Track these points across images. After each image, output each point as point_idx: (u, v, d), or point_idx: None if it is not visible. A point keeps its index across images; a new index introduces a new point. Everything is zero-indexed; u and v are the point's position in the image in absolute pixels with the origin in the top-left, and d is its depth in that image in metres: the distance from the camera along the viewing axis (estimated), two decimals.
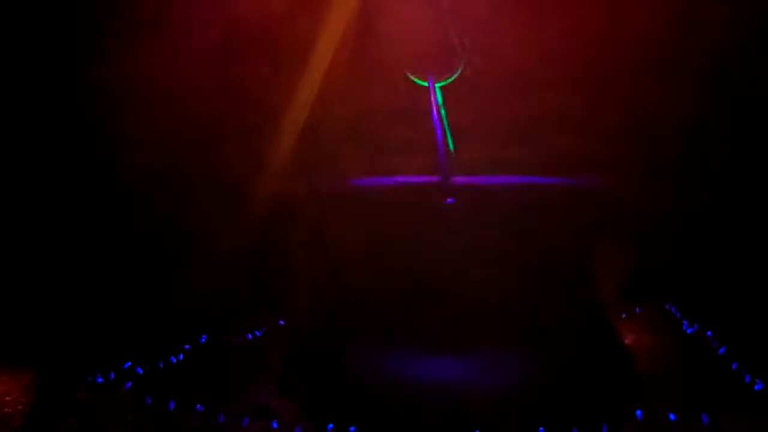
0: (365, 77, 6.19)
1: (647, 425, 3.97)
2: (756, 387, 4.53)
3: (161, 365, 4.99)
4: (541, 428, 3.83)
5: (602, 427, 3.84)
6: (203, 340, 5.40)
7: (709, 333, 5.45)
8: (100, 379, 4.67)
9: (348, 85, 6.20)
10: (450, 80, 4.95)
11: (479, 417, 3.90)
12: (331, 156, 6.08)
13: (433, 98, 4.63)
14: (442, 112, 4.91)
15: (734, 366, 4.85)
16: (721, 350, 5.12)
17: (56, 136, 5.95)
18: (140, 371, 4.84)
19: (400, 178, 4.58)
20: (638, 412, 3.99)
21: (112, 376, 4.73)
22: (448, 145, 4.94)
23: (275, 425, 4.10)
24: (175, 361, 5.10)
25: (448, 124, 5.08)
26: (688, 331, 5.66)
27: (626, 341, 5.37)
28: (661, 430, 3.95)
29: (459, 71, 5.03)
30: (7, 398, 4.64)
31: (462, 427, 3.87)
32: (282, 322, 5.83)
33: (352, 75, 6.21)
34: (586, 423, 3.87)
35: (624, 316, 6.06)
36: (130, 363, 4.87)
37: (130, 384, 4.63)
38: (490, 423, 3.86)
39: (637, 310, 6.19)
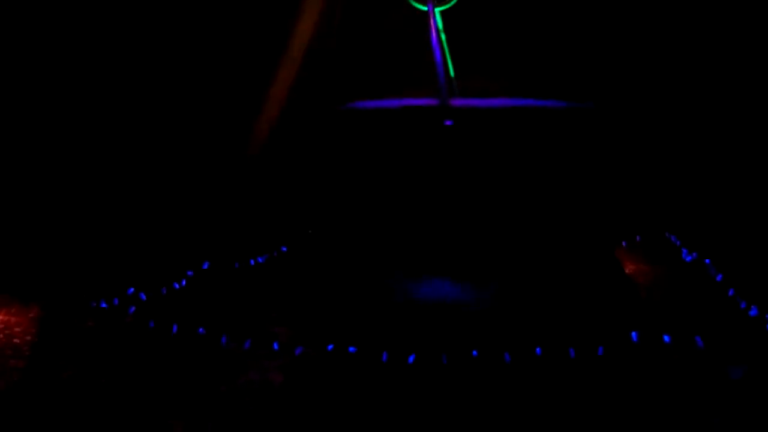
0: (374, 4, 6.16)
1: (642, 347, 4.01)
2: (751, 312, 4.57)
3: (164, 291, 5.04)
4: (537, 348, 3.88)
5: (598, 348, 3.89)
6: (206, 266, 5.43)
7: (707, 261, 5.49)
8: (104, 305, 4.72)
9: (356, 13, 6.17)
10: (450, 5, 4.90)
11: (477, 336, 3.95)
12: (338, 84, 6.07)
13: (432, 22, 4.59)
14: (442, 36, 4.88)
15: (731, 292, 4.89)
16: (719, 277, 5.16)
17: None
18: (144, 297, 4.89)
19: (399, 101, 4.57)
20: (633, 334, 4.03)
21: (117, 302, 4.78)
22: (447, 69, 4.92)
23: (276, 347, 4.15)
24: (178, 287, 5.15)
25: (449, 50, 5.05)
26: (687, 259, 5.70)
27: (626, 269, 5.42)
28: (655, 351, 4.00)
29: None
30: (17, 329, 4.71)
31: (460, 345, 3.92)
32: (284, 249, 5.87)
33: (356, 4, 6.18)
34: (583, 343, 3.92)
35: (624, 244, 6.10)
36: (133, 289, 4.92)
37: (133, 309, 4.68)
38: (488, 341, 3.90)
39: (637, 238, 6.23)
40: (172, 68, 6.07)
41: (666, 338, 4.03)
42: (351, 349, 4.00)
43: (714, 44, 6.17)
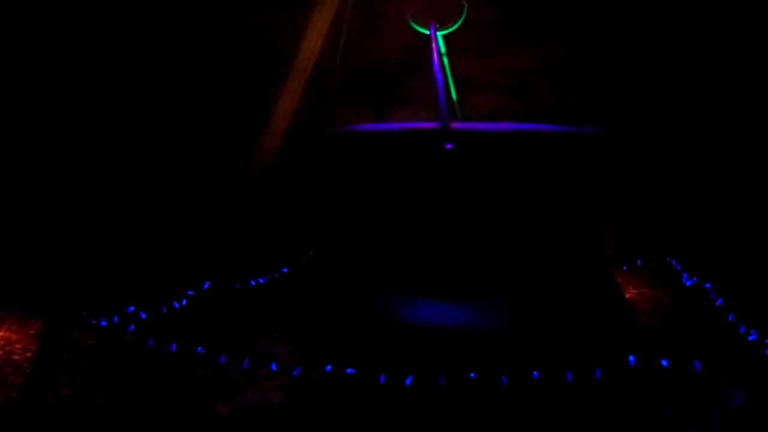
0: (376, 26, 6.20)
1: (640, 370, 4.01)
2: (750, 338, 4.57)
3: (164, 310, 5.05)
4: (535, 372, 3.88)
5: (595, 372, 3.88)
6: (206, 286, 5.44)
7: (707, 285, 5.48)
8: (104, 323, 4.73)
9: (358, 35, 6.21)
10: (452, 29, 4.94)
11: (475, 360, 3.96)
12: (340, 107, 6.11)
13: (434, 46, 4.61)
14: (445, 60, 4.92)
15: (731, 317, 4.89)
16: (719, 302, 5.16)
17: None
18: (143, 316, 4.90)
19: (399, 124, 4.59)
20: (631, 358, 4.03)
21: (116, 320, 4.79)
22: (449, 93, 4.95)
23: (274, 367, 4.15)
24: (178, 306, 5.16)
25: (451, 73, 5.09)
26: (688, 283, 5.69)
27: (627, 293, 5.42)
28: (653, 375, 4.01)
29: (462, 20, 5.01)
30: (17, 346, 4.73)
31: (458, 370, 3.92)
32: (285, 270, 5.88)
33: (362, 24, 6.22)
34: (580, 367, 3.92)
35: (625, 268, 6.11)
36: (133, 308, 4.93)
37: (132, 327, 4.69)
38: (484, 366, 3.91)
39: (638, 262, 6.24)
40: (176, 85, 6.11)
41: (664, 362, 4.03)
42: (349, 370, 4.00)
43: (713, 64, 6.21)
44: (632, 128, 6.26)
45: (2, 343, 4.77)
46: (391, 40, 6.19)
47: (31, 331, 4.87)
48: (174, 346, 4.28)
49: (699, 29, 6.16)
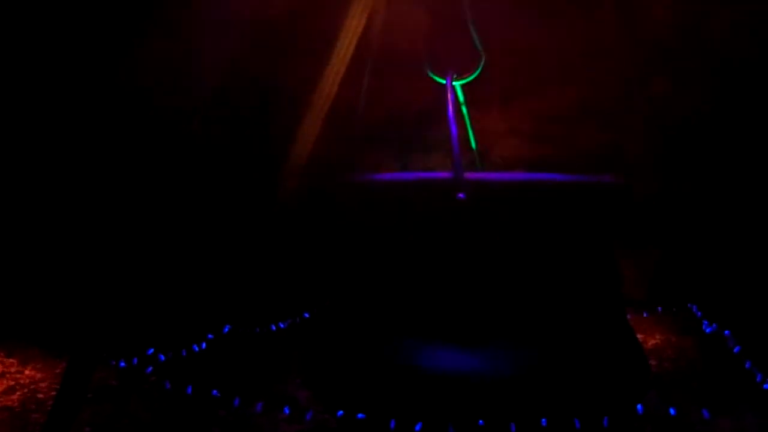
0: (395, 75, 6.29)
1: (648, 419, 4.03)
2: (766, 386, 4.56)
3: (184, 353, 5.15)
4: (543, 419, 3.91)
5: (603, 420, 3.91)
6: (226, 330, 5.53)
7: (726, 332, 5.48)
8: (123, 364, 4.84)
9: (377, 83, 6.31)
10: (470, 79, 5.01)
11: (483, 407, 4.00)
12: (360, 156, 6.19)
13: (450, 96, 4.69)
14: (464, 109, 5.00)
15: (747, 365, 4.89)
16: (736, 349, 5.16)
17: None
18: (162, 358, 5.00)
19: (414, 173, 4.68)
20: (639, 407, 4.05)
21: (135, 361, 4.89)
22: (468, 142, 5.03)
23: (287, 411, 4.22)
24: (197, 349, 5.25)
25: (471, 122, 5.17)
26: (707, 330, 5.69)
27: (644, 340, 5.43)
28: (661, 424, 4.02)
29: (479, 70, 5.08)
30: (42, 384, 4.83)
31: (468, 415, 3.97)
32: (306, 315, 5.96)
33: (382, 73, 6.31)
34: (589, 415, 3.94)
35: (645, 315, 6.13)
36: (153, 350, 5.03)
37: (151, 369, 4.78)
38: (493, 413, 3.95)
39: (659, 309, 6.25)
40: (198, 133, 6.23)
41: (672, 411, 4.04)
42: (360, 415, 4.07)
43: (736, 107, 6.23)
44: (653, 173, 6.28)
45: (27, 381, 4.88)
46: (414, 86, 6.28)
47: (57, 370, 4.96)
48: (190, 388, 4.37)
49: (719, 77, 6.20)
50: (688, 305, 6.22)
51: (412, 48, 5.86)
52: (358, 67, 5.82)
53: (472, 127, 5.28)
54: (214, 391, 4.35)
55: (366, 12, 5.60)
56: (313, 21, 6.09)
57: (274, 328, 5.73)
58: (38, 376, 4.97)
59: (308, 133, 6.02)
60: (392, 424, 3.99)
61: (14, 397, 4.65)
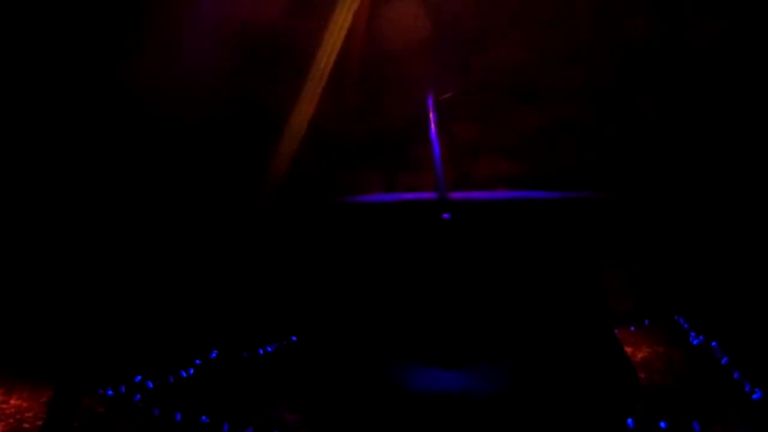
0: (383, 94, 6.30)
1: None
2: (754, 396, 4.57)
3: (171, 380, 5.11)
4: None
5: None
6: (213, 355, 5.50)
7: (713, 344, 5.49)
8: (110, 392, 4.80)
9: (364, 102, 6.31)
10: (446, 96, 5.03)
11: (474, 426, 3.98)
12: (348, 175, 6.20)
13: (432, 116, 4.71)
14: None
15: (736, 375, 4.89)
16: (724, 360, 5.17)
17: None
18: (150, 385, 4.96)
19: (399, 195, 4.68)
20: (629, 421, 4.05)
21: (123, 389, 4.85)
22: (453, 160, 5.05)
23: None
24: (185, 375, 5.21)
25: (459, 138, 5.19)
26: (695, 342, 5.70)
27: (633, 353, 5.43)
28: None
29: (455, 89, 5.11)
30: (28, 414, 4.78)
31: None
32: (294, 339, 5.94)
33: (369, 92, 6.33)
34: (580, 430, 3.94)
35: (632, 329, 6.13)
36: (140, 377, 5.00)
37: (139, 396, 4.75)
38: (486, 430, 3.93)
39: (646, 322, 6.25)
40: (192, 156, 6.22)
41: (662, 424, 4.04)
42: None
43: (717, 119, 6.25)
44: (639, 187, 6.31)
45: (13, 411, 4.83)
46: (401, 106, 6.28)
47: (42, 399, 4.91)
48: (178, 415, 4.34)
49: (701, 88, 6.22)
50: (675, 317, 6.22)
51: (396, 67, 5.90)
52: (340, 85, 5.85)
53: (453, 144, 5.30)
54: (203, 417, 4.32)
55: (344, 31, 5.63)
56: (295, 40, 6.09)
57: (261, 351, 5.70)
58: (24, 405, 4.91)
59: (286, 152, 6.02)
60: None
61: None
